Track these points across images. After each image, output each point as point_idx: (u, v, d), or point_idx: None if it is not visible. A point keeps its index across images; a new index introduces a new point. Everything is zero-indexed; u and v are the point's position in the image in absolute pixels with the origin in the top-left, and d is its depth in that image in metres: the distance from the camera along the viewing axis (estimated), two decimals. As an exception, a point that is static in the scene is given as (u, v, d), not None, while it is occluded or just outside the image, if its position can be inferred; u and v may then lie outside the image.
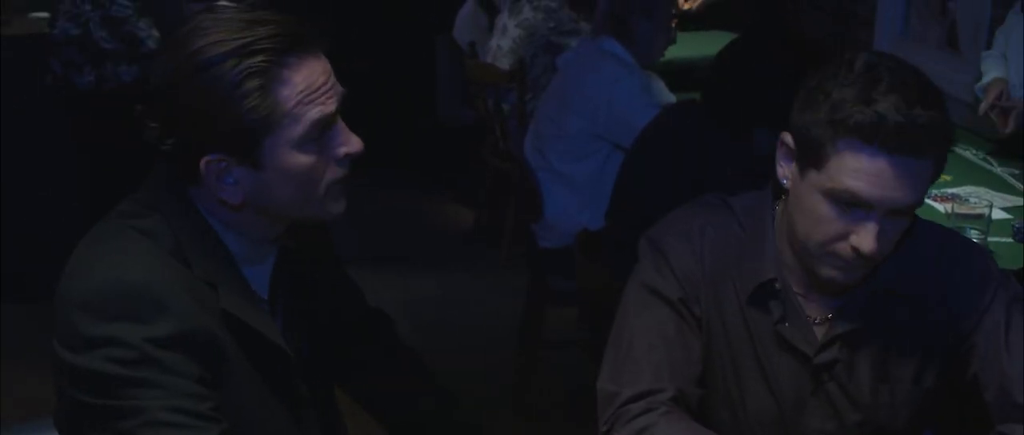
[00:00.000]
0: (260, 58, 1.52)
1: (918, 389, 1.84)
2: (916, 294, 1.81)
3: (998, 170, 3.66)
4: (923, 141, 1.60)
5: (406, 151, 6.52)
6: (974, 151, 3.87)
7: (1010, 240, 3.02)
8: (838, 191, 1.64)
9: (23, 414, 3.73)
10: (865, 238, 1.65)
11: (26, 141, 4.68)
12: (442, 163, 6.46)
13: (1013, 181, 3.54)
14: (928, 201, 3.30)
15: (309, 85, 1.56)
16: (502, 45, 5.25)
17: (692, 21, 6.09)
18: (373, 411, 2.01)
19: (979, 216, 3.09)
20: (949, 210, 3.17)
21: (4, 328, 4.39)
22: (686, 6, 6.04)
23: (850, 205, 1.65)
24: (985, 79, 4.00)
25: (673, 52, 4.21)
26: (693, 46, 5.36)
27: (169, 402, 1.50)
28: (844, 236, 1.67)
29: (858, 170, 1.62)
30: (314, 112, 1.56)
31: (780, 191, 1.81)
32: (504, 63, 5.17)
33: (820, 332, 1.83)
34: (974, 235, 2.92)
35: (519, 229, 4.77)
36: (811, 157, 1.67)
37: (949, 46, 5.20)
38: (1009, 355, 1.76)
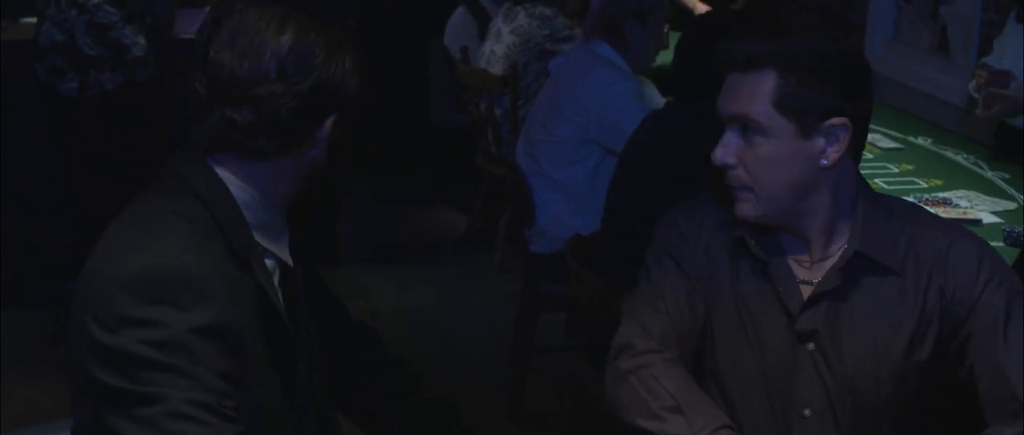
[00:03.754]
0: (354, 50, 1.72)
1: (908, 363, 1.89)
2: (895, 267, 1.89)
3: (989, 175, 3.68)
4: (750, 58, 1.86)
5: (399, 156, 6.52)
6: (966, 155, 3.89)
7: (1001, 244, 3.04)
8: None
9: (22, 420, 3.75)
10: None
11: (24, 149, 4.67)
12: (435, 168, 6.46)
13: (1004, 185, 3.56)
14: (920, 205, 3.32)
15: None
16: (495, 50, 5.26)
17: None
18: (365, 426, 2.03)
19: (974, 221, 3.11)
20: (939, 214, 3.20)
21: (3, 335, 4.38)
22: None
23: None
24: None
25: (665, 57, 4.22)
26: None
27: (192, 395, 1.51)
28: None
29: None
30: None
31: None
32: (497, 68, 5.18)
33: (806, 294, 1.91)
34: None
35: (512, 234, 4.78)
36: None
37: (940, 50, 5.22)
38: (1007, 347, 1.80)
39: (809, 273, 1.93)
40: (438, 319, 4.81)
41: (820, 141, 1.85)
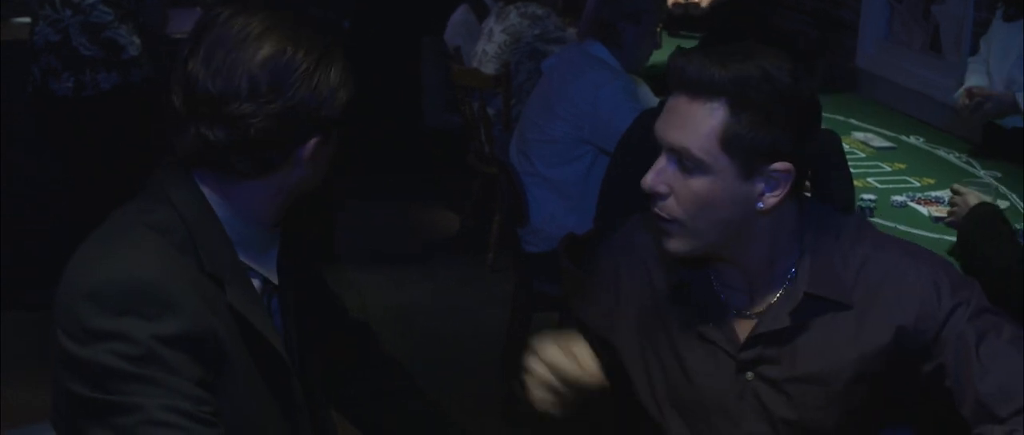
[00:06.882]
0: (340, 64, 1.64)
1: (855, 389, 1.83)
2: (847, 300, 1.81)
3: (981, 173, 3.69)
4: (703, 84, 1.71)
5: (392, 155, 6.52)
6: (958, 154, 3.90)
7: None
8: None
9: (22, 421, 3.73)
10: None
11: (23, 149, 4.67)
12: (428, 168, 6.47)
13: (996, 184, 3.56)
14: (911, 204, 3.33)
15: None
16: (487, 49, 5.26)
17: (678, 24, 6.12)
18: (360, 425, 2.02)
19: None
20: (931, 213, 3.21)
21: (4, 336, 4.38)
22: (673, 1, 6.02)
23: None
24: (963, 87, 4.03)
25: (658, 57, 4.23)
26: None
27: (169, 402, 1.51)
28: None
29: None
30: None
31: None
32: (489, 67, 5.19)
33: (745, 331, 1.84)
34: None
35: (505, 234, 4.78)
36: None
37: (932, 50, 5.24)
38: (982, 370, 1.74)
39: (750, 304, 1.86)
40: (431, 318, 4.81)
41: (760, 185, 1.75)
